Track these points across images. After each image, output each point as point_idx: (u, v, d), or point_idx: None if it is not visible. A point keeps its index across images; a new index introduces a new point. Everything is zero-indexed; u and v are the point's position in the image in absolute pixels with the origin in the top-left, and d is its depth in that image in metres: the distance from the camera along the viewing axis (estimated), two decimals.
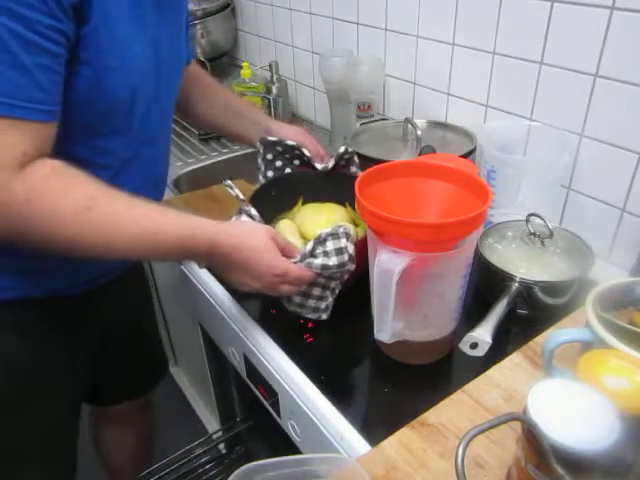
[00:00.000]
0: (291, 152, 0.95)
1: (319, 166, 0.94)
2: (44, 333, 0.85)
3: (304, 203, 0.99)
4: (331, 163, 0.93)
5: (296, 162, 0.97)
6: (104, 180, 0.64)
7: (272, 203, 0.97)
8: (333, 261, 0.70)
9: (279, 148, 0.95)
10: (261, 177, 0.97)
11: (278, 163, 0.97)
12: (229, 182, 0.81)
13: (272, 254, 0.70)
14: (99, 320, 0.96)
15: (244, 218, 0.76)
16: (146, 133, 0.78)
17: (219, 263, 0.72)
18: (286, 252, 0.72)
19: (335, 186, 0.94)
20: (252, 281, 0.71)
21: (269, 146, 0.94)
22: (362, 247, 0.72)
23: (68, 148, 0.66)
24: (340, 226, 0.71)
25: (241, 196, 0.81)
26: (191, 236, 0.66)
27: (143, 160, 0.80)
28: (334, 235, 0.71)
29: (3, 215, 0.59)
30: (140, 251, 0.68)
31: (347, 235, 0.71)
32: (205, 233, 0.67)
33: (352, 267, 0.72)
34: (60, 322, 0.87)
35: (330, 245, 0.70)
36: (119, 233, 0.63)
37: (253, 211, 0.77)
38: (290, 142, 0.94)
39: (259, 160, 0.96)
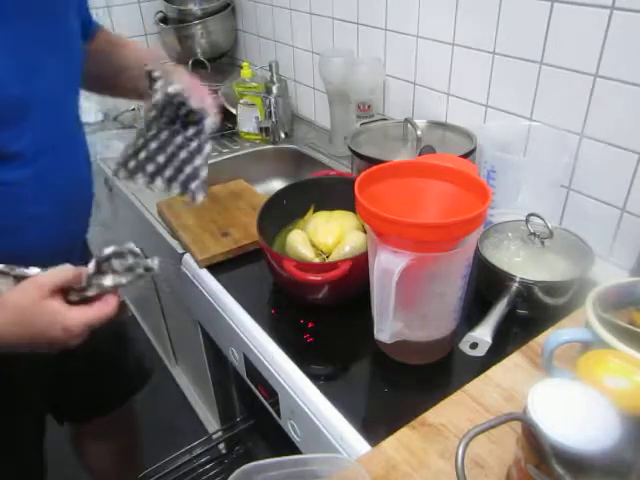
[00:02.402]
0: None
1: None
2: None
3: (315, 211, 1.00)
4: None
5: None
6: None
7: (283, 212, 0.99)
8: (127, 279, 0.65)
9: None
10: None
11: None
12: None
13: (52, 316, 0.59)
14: None
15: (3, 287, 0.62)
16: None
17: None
18: (67, 286, 0.61)
19: (346, 193, 0.95)
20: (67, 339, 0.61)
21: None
22: (363, 263, 0.74)
23: None
24: (126, 245, 0.66)
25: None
26: None
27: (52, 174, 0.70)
28: (118, 254, 0.65)
29: None
30: None
31: (133, 253, 0.66)
32: None
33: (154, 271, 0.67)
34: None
35: (117, 264, 0.65)
36: None
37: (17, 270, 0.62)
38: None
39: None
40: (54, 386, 0.96)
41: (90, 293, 0.63)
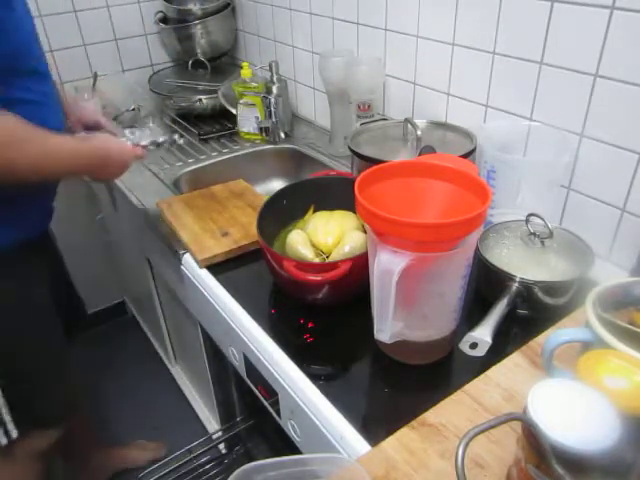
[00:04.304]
0: None
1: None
2: (26, 271, 1.06)
3: (315, 211, 1.00)
4: None
5: None
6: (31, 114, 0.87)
7: (284, 212, 0.99)
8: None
9: None
10: None
11: None
12: None
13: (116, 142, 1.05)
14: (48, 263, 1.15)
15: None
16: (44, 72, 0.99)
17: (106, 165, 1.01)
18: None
19: (346, 193, 0.95)
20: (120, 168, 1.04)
21: None
22: (363, 263, 0.73)
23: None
24: None
25: None
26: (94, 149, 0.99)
27: (52, 97, 1.01)
28: None
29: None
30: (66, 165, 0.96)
31: None
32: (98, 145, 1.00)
33: None
34: (36, 254, 1.07)
35: None
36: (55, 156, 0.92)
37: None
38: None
39: None
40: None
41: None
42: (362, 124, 1.19)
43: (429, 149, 0.98)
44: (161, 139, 1.18)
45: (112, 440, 1.69)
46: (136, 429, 1.76)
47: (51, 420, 1.19)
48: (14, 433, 1.12)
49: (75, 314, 1.37)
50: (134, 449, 1.67)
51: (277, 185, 1.48)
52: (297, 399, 0.75)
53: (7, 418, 1.10)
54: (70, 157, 0.95)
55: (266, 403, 0.88)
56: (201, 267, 1.00)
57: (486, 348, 0.68)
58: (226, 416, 1.40)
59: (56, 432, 1.21)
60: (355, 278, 0.79)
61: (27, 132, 0.86)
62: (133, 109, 1.64)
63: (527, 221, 0.85)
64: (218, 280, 0.97)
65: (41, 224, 1.12)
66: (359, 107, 1.24)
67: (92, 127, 1.16)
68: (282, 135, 1.52)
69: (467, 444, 0.43)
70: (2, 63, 0.88)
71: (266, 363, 0.82)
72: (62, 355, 1.19)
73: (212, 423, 1.58)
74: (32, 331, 1.10)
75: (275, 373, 0.79)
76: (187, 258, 1.05)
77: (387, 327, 0.65)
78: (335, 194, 0.97)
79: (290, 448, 0.84)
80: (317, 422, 0.71)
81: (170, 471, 1.32)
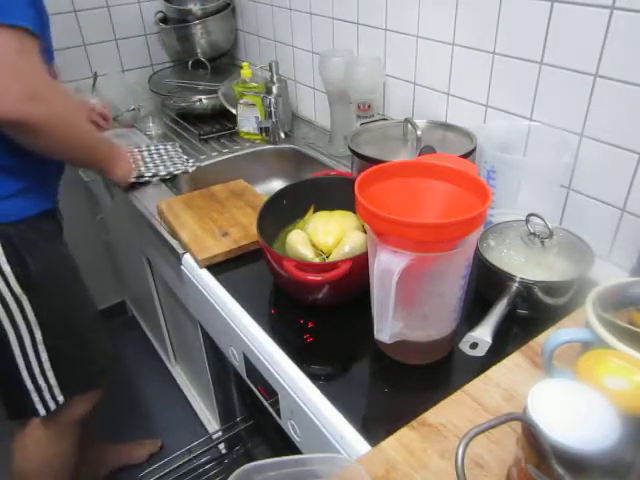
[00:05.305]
0: None
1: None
2: (60, 237, 1.20)
3: (315, 211, 1.00)
4: None
5: None
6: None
7: (283, 212, 0.99)
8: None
9: None
10: None
11: None
12: None
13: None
14: None
15: None
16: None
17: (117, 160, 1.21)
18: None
19: (346, 193, 0.95)
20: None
21: None
22: (363, 263, 0.73)
23: None
24: None
25: None
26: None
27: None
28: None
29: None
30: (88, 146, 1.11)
31: None
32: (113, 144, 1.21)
33: None
34: (59, 228, 1.21)
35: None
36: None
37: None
38: None
39: None
40: None
41: None
42: (362, 124, 1.19)
43: (429, 149, 0.98)
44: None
45: (112, 440, 1.69)
46: (136, 429, 1.76)
47: (91, 383, 1.24)
48: (60, 398, 1.14)
49: None
50: (132, 446, 1.68)
51: (277, 185, 1.48)
52: (297, 399, 0.75)
53: (53, 382, 1.12)
54: (97, 140, 1.13)
55: (266, 403, 0.88)
56: (201, 267, 1.00)
57: (486, 348, 0.68)
58: (226, 416, 1.40)
59: (95, 396, 1.26)
60: (355, 278, 0.79)
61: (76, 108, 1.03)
62: (133, 109, 1.64)
63: (527, 221, 0.85)
64: (218, 280, 0.97)
65: (53, 198, 1.18)
66: (359, 107, 1.24)
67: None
68: (282, 135, 1.52)
69: (467, 444, 0.43)
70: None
71: (266, 363, 0.82)
72: (98, 317, 1.26)
73: (212, 423, 1.58)
74: (78, 291, 1.19)
75: (275, 373, 0.79)
76: (187, 258, 1.05)
77: (387, 327, 0.65)
78: (335, 194, 0.97)
79: (290, 448, 0.84)
80: (317, 422, 0.71)
81: (170, 471, 1.32)
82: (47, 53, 1.02)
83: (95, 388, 1.25)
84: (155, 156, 1.41)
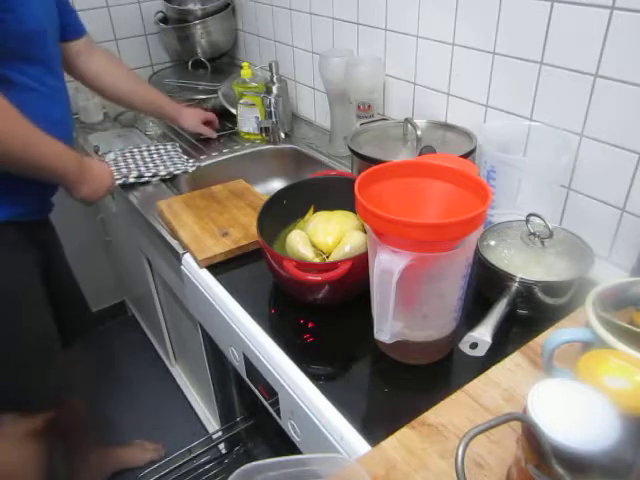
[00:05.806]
0: None
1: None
2: (23, 251, 1.09)
3: (315, 211, 1.00)
4: None
5: None
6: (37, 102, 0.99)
7: (284, 212, 0.99)
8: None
9: None
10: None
11: None
12: None
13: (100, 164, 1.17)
14: (45, 250, 1.18)
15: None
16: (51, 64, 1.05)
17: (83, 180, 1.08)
18: None
19: (346, 193, 0.95)
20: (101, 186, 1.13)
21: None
22: (363, 263, 0.73)
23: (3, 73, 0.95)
24: None
25: None
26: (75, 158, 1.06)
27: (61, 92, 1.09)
28: None
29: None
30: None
31: None
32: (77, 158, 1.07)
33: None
34: (31, 243, 1.11)
35: None
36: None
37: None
38: None
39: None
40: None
41: None
42: (362, 124, 1.19)
43: (429, 149, 0.98)
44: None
45: (112, 440, 1.69)
46: (136, 429, 1.76)
47: (36, 404, 1.17)
48: None
49: (78, 320, 1.36)
50: (133, 449, 1.67)
51: (277, 185, 1.48)
52: (297, 399, 0.75)
53: None
54: (58, 153, 1.01)
55: (266, 403, 0.88)
56: (201, 267, 1.00)
57: (486, 348, 0.68)
58: (226, 416, 1.40)
59: (46, 414, 1.18)
60: (355, 278, 0.79)
61: (20, 118, 0.92)
62: None
63: (527, 221, 0.85)
64: (218, 280, 0.97)
65: (34, 213, 1.13)
66: (359, 107, 1.24)
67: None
68: (282, 135, 1.52)
69: (467, 444, 0.43)
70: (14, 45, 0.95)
71: (266, 363, 0.82)
72: (48, 337, 1.17)
73: (212, 423, 1.57)
74: (23, 314, 1.10)
75: (275, 373, 0.79)
76: (187, 258, 1.05)
77: (387, 327, 0.65)
78: (335, 194, 0.97)
79: (290, 448, 0.84)
80: (317, 422, 0.71)
81: (170, 471, 1.32)
82: (46, 61, 1.01)
83: (41, 411, 1.18)
84: (155, 156, 1.41)
